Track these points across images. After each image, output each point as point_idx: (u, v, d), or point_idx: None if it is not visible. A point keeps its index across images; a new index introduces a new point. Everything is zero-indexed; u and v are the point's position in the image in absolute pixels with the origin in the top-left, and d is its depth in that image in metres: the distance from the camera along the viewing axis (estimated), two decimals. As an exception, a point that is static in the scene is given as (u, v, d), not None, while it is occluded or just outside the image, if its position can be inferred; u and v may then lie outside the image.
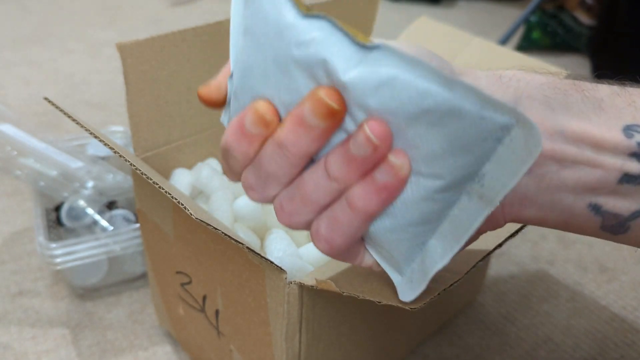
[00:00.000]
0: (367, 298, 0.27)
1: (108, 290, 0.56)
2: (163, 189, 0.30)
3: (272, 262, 0.30)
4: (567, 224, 0.24)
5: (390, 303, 0.26)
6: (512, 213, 0.24)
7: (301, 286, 0.31)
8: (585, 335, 0.52)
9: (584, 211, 0.23)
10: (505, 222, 0.25)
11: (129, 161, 0.31)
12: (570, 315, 0.55)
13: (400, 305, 0.25)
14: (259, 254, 0.30)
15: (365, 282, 0.29)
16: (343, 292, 0.27)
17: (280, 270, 0.31)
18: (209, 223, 0.28)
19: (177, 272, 0.42)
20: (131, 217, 0.56)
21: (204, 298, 0.40)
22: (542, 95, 0.23)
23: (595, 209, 0.23)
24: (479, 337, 0.52)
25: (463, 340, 0.52)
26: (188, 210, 0.28)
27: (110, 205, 0.58)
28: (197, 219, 0.28)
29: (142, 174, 0.30)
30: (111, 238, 0.51)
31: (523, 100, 0.23)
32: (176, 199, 0.29)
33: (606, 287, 0.58)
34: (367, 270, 0.30)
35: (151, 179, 0.30)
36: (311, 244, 0.39)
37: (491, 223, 0.25)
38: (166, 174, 0.45)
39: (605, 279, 0.59)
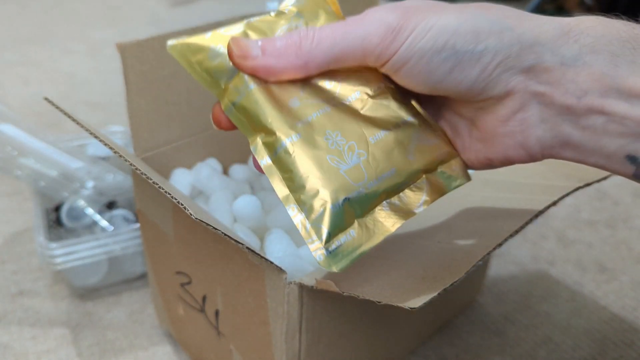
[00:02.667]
0: (367, 298, 0.27)
1: (108, 290, 0.56)
2: (163, 189, 0.30)
3: (272, 262, 0.30)
4: (603, 167, 0.26)
5: (390, 303, 0.26)
6: (553, 153, 0.26)
7: (301, 286, 0.31)
8: (585, 335, 0.52)
9: (621, 159, 0.25)
10: (543, 158, 0.27)
11: (128, 161, 0.31)
12: (570, 315, 0.55)
13: (400, 305, 0.25)
14: (258, 254, 0.30)
15: (366, 282, 0.29)
16: (343, 293, 0.27)
17: (280, 270, 0.31)
18: (209, 223, 0.28)
19: (177, 272, 0.42)
20: (131, 217, 0.56)
21: (204, 298, 0.40)
22: (608, 51, 0.24)
23: (632, 159, 0.25)
24: (479, 337, 0.52)
25: (463, 340, 0.52)
26: (188, 210, 0.28)
27: (110, 205, 0.58)
28: (196, 219, 0.28)
29: (142, 173, 0.30)
30: (111, 238, 0.51)
31: (585, 56, 0.24)
32: (176, 199, 0.29)
33: (606, 287, 0.58)
34: (368, 271, 0.30)
35: (151, 179, 0.30)
36: None
37: (529, 157, 0.27)
38: (166, 174, 0.45)
39: (605, 279, 0.59)
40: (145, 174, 0.30)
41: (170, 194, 0.29)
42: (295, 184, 0.25)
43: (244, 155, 0.51)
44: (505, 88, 0.26)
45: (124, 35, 1.18)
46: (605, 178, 0.36)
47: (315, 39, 0.26)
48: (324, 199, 0.25)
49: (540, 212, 0.32)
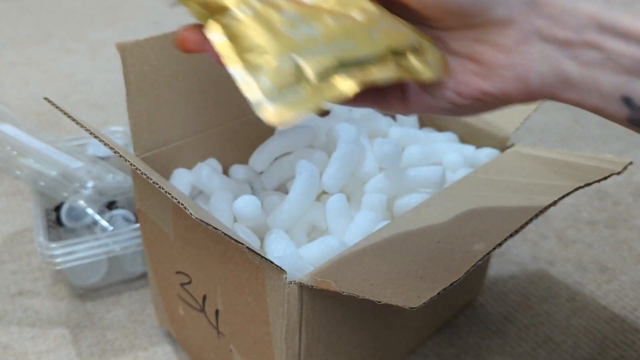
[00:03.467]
0: (367, 297, 0.27)
1: (108, 290, 0.56)
2: (163, 188, 0.30)
3: (272, 262, 0.30)
4: (599, 110, 0.27)
5: (390, 302, 0.26)
6: (553, 92, 0.27)
7: (301, 286, 0.31)
8: (585, 335, 0.52)
9: (617, 100, 0.26)
10: (541, 97, 0.28)
11: (128, 161, 0.31)
12: (570, 315, 0.55)
13: (400, 304, 0.25)
14: (259, 254, 0.30)
15: (365, 281, 0.29)
16: (343, 292, 0.27)
17: (281, 270, 0.31)
18: (209, 223, 0.28)
19: (177, 272, 0.42)
20: (131, 217, 0.56)
21: (204, 298, 0.40)
22: None
23: (627, 100, 0.25)
24: (479, 337, 0.52)
25: (463, 340, 0.52)
26: (188, 210, 0.28)
27: (110, 205, 0.58)
28: (197, 218, 0.28)
29: (142, 173, 0.30)
30: (111, 238, 0.51)
31: None
32: (176, 199, 0.29)
33: (606, 287, 0.58)
34: (367, 270, 0.30)
35: (151, 179, 0.30)
36: (311, 244, 0.39)
37: (527, 92, 0.27)
38: (166, 174, 0.45)
39: (605, 279, 0.59)
40: (145, 174, 0.30)
41: (170, 194, 0.29)
42: (241, 47, 0.24)
43: (244, 155, 0.51)
44: (508, 13, 0.26)
45: (124, 35, 1.18)
46: (605, 178, 0.36)
47: None
48: (268, 54, 0.24)
49: (540, 212, 0.32)
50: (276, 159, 0.48)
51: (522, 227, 0.30)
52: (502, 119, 0.48)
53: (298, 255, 0.38)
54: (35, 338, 0.51)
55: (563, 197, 0.34)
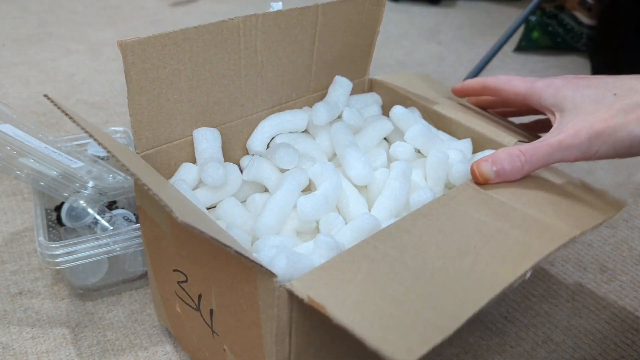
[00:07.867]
0: (357, 335, 0.27)
1: (108, 290, 0.56)
2: (151, 190, 0.29)
3: (262, 266, 0.30)
4: None
5: (380, 350, 0.26)
6: None
7: (291, 292, 0.31)
8: (585, 335, 0.52)
9: None
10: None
11: (120, 161, 0.31)
12: (570, 315, 0.55)
13: (389, 356, 0.26)
14: (249, 257, 0.30)
15: (356, 310, 0.29)
16: (334, 320, 0.28)
17: (271, 273, 0.31)
18: (195, 226, 0.28)
19: (174, 270, 0.42)
20: (131, 217, 0.56)
21: (199, 297, 0.40)
22: None
23: None
24: (479, 337, 0.52)
25: (463, 340, 0.52)
26: (174, 214, 0.28)
27: (110, 205, 0.58)
28: (182, 222, 0.27)
29: (131, 174, 0.30)
30: (111, 238, 0.51)
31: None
32: (163, 201, 0.28)
33: (606, 287, 0.58)
34: (359, 293, 0.30)
35: (140, 180, 0.30)
36: (307, 244, 0.39)
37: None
38: (167, 172, 0.46)
39: (605, 279, 0.59)
40: (135, 174, 0.30)
41: (157, 196, 0.29)
42: None
43: (245, 154, 0.51)
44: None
45: (124, 35, 1.18)
46: (600, 224, 0.38)
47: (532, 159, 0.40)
48: None
49: (531, 268, 0.33)
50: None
51: (508, 287, 0.31)
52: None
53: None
54: (35, 338, 0.51)
55: (558, 249, 0.35)
